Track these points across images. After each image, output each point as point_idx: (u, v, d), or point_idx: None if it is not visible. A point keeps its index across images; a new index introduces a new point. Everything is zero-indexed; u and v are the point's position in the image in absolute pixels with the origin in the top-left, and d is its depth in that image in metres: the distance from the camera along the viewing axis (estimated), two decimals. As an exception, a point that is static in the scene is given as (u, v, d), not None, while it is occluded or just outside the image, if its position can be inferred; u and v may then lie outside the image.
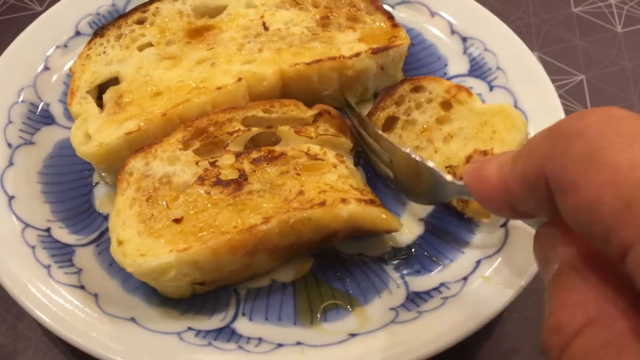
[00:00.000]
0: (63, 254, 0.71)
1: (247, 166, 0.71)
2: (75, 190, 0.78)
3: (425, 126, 0.78)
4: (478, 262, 0.70)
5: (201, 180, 0.70)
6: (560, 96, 0.86)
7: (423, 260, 0.72)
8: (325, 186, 0.70)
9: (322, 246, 0.72)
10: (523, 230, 0.71)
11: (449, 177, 0.65)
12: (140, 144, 0.74)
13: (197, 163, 0.72)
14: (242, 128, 0.75)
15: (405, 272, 0.72)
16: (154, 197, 0.70)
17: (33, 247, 0.70)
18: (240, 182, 0.70)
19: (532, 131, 0.79)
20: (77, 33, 0.91)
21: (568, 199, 0.38)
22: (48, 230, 0.73)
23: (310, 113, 0.78)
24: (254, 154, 0.73)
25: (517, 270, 0.68)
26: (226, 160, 0.72)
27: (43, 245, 0.71)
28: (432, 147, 0.76)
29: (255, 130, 0.75)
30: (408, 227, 0.75)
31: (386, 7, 0.95)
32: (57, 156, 0.80)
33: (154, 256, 0.63)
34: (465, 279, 0.69)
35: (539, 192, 0.41)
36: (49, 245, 0.72)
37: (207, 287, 0.69)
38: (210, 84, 0.78)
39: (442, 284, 0.70)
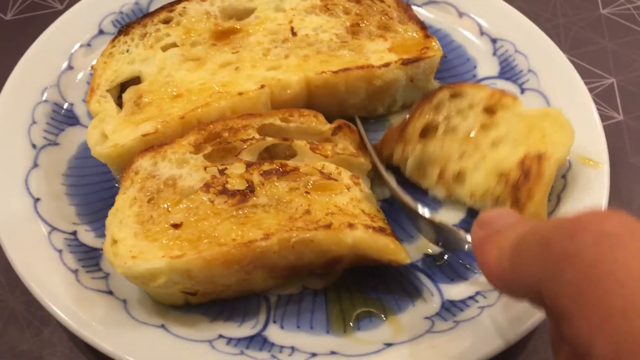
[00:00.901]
0: (90, 257, 0.70)
1: (256, 178, 0.69)
2: (100, 193, 0.76)
3: (469, 132, 0.75)
4: (515, 270, 0.69)
5: (207, 187, 0.68)
6: (591, 100, 0.84)
7: (457, 268, 0.71)
8: (334, 208, 0.67)
9: (325, 271, 0.69)
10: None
11: (462, 234, 0.64)
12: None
13: (205, 169, 0.70)
14: (257, 137, 0.72)
15: (439, 280, 0.70)
16: (155, 199, 0.68)
17: (60, 251, 0.69)
18: (246, 193, 0.67)
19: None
20: (101, 32, 0.90)
21: (563, 328, 0.39)
22: (74, 233, 0.72)
23: (329, 127, 0.75)
24: (266, 166, 0.70)
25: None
26: (236, 169, 0.70)
27: (70, 249, 0.70)
28: (480, 152, 0.74)
29: (269, 140, 0.72)
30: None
31: (414, 7, 0.93)
32: (81, 157, 0.79)
33: (145, 260, 0.61)
34: (501, 287, 0.68)
35: (536, 302, 0.44)
36: (76, 249, 0.70)
37: (200, 298, 0.66)
38: (233, 88, 0.77)
39: (478, 293, 0.68)
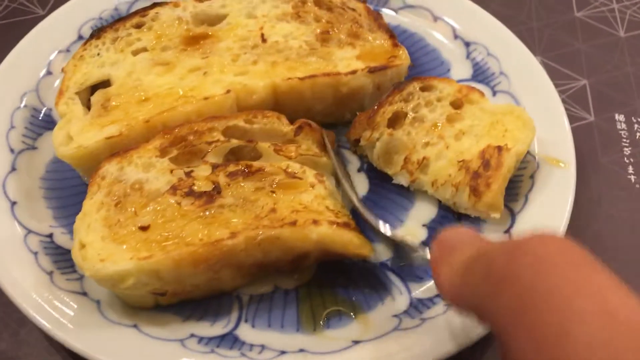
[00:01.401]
0: (66, 260, 0.71)
1: (222, 179, 0.70)
2: (77, 196, 0.77)
3: (435, 123, 0.78)
4: (481, 269, 0.70)
5: (173, 189, 0.69)
6: (563, 101, 0.86)
7: (426, 267, 0.72)
8: (299, 206, 0.69)
9: (292, 267, 0.70)
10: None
11: (416, 245, 0.66)
12: (120, 149, 0.73)
13: (171, 172, 0.71)
14: (222, 139, 0.73)
15: (407, 278, 0.72)
16: (123, 203, 0.69)
17: (35, 253, 0.70)
18: (212, 194, 0.69)
19: (536, 137, 0.79)
20: (80, 37, 0.91)
21: (503, 346, 0.41)
22: (50, 236, 0.73)
23: (291, 127, 0.76)
24: (231, 168, 0.71)
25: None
26: (202, 171, 0.71)
27: (45, 251, 0.71)
28: (444, 143, 0.76)
29: (234, 142, 0.74)
30: (411, 233, 0.75)
31: (389, 11, 0.95)
32: (59, 162, 0.79)
33: (113, 262, 0.62)
34: (468, 285, 0.69)
35: (481, 319, 0.46)
36: (52, 251, 0.72)
37: (169, 298, 0.67)
38: (199, 93, 0.78)
39: (445, 291, 0.69)
